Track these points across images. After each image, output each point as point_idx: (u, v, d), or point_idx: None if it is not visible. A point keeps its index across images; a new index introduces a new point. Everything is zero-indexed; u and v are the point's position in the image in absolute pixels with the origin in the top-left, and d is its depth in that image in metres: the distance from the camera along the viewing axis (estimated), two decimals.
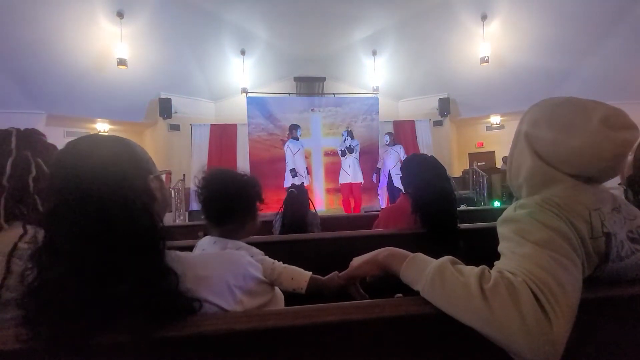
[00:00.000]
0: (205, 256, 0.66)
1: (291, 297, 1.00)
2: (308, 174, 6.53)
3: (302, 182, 5.01)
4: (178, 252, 0.63)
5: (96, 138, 0.61)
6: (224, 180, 1.03)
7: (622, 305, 0.64)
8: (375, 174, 6.73)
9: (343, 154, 6.40)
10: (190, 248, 1.07)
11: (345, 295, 0.89)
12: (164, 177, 0.71)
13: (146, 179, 0.62)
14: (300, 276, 1.00)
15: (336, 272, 0.92)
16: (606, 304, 0.63)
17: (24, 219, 0.78)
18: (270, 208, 2.06)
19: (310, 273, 1.01)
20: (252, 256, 0.93)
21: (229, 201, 0.99)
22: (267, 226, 2.24)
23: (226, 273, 0.65)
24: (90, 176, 0.54)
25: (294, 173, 6.18)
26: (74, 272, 0.51)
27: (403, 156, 6.46)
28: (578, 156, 0.67)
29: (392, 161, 6.39)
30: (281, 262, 1.04)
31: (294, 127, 6.35)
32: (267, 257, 1.04)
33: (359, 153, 6.56)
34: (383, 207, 6.54)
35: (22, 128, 0.88)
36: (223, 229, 1.02)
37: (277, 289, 0.78)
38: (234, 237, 1.02)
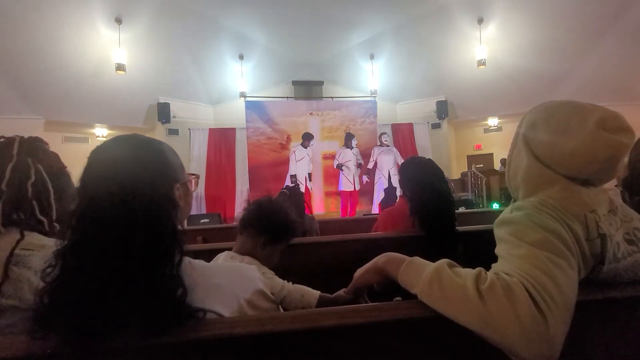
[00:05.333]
0: (219, 266, 0.67)
1: None
2: (310, 180, 6.56)
3: (298, 185, 5.03)
4: (191, 260, 0.63)
5: (128, 141, 0.62)
6: (287, 208, 1.13)
7: (621, 307, 0.64)
8: (366, 176, 6.72)
9: (339, 167, 6.46)
10: (189, 253, 1.07)
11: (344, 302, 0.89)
12: (191, 182, 0.71)
13: (172, 187, 0.62)
14: (309, 294, 1.02)
15: (343, 289, 0.93)
16: (605, 305, 0.63)
17: (20, 224, 0.78)
18: None
19: (319, 292, 1.02)
20: (263, 273, 0.94)
21: (289, 223, 1.08)
22: None
23: (236, 285, 0.65)
24: (120, 181, 0.55)
25: (294, 179, 6.23)
26: (96, 274, 0.52)
27: (398, 157, 6.52)
28: (573, 157, 0.67)
29: (390, 161, 6.44)
30: (290, 282, 1.06)
31: (306, 137, 6.39)
32: (276, 277, 1.05)
33: (361, 156, 6.60)
34: (376, 211, 6.58)
35: (26, 136, 0.89)
36: (260, 242, 1.04)
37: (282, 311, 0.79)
38: (255, 255, 1.04)
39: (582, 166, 0.67)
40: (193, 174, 0.74)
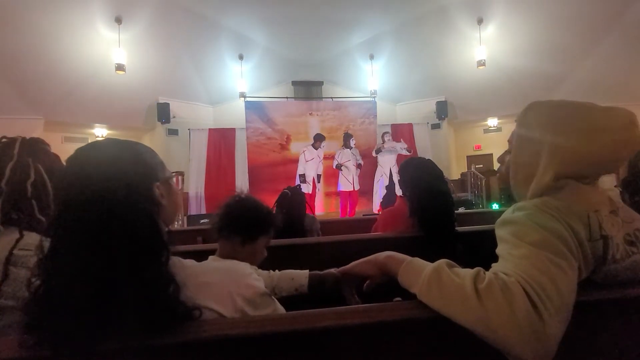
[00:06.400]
0: (208, 264, 0.67)
1: (290, 303, 1.00)
2: (319, 181, 6.55)
3: (299, 185, 5.06)
4: (181, 259, 0.63)
5: (103, 144, 0.62)
6: (257, 203, 1.09)
7: (621, 308, 0.64)
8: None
9: (338, 167, 6.47)
10: (189, 253, 1.07)
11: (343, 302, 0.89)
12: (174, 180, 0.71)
13: (151, 186, 0.61)
14: (298, 275, 1.02)
15: (334, 268, 0.94)
16: (605, 306, 0.63)
17: (20, 223, 0.78)
18: None
19: (308, 270, 1.03)
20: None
21: (259, 218, 1.04)
22: None
23: (228, 281, 0.65)
24: (94, 185, 0.54)
25: (303, 179, 6.23)
26: (78, 280, 0.52)
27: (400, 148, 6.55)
28: (600, 159, 0.68)
29: (392, 159, 6.46)
30: (276, 270, 1.06)
31: (317, 137, 6.39)
32: (259, 270, 1.05)
33: (361, 156, 6.61)
34: (376, 211, 6.59)
35: (26, 136, 0.89)
36: (237, 243, 1.02)
37: (279, 305, 0.79)
38: (236, 257, 1.02)
39: (604, 166, 0.69)
40: (177, 172, 0.73)
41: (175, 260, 0.60)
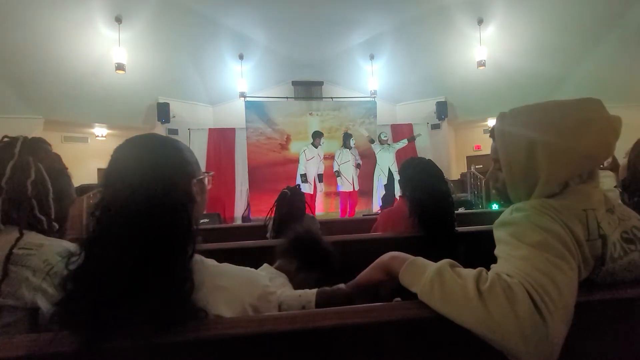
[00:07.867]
0: (228, 267, 0.67)
1: None
2: (320, 181, 6.55)
3: (299, 185, 5.07)
4: (203, 258, 0.64)
5: (148, 138, 0.65)
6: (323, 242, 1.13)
7: (621, 308, 0.64)
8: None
9: (337, 174, 6.47)
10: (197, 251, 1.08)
11: None
12: (206, 179, 0.73)
13: (190, 182, 0.65)
14: (306, 292, 1.00)
15: (342, 284, 0.92)
16: (604, 306, 0.63)
17: (20, 222, 0.78)
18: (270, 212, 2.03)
19: (316, 290, 1.02)
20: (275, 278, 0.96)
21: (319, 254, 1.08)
22: (259, 231, 2.20)
23: (244, 289, 0.66)
24: (141, 175, 0.58)
25: (304, 178, 6.23)
26: (116, 263, 0.54)
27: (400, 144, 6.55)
28: (591, 152, 0.68)
29: (390, 158, 6.47)
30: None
31: (316, 135, 6.38)
32: (289, 286, 1.05)
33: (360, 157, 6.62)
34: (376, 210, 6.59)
35: (26, 136, 0.90)
36: (293, 269, 1.06)
37: None
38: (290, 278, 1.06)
39: (597, 158, 0.69)
40: (207, 172, 0.75)
41: (198, 259, 0.62)
